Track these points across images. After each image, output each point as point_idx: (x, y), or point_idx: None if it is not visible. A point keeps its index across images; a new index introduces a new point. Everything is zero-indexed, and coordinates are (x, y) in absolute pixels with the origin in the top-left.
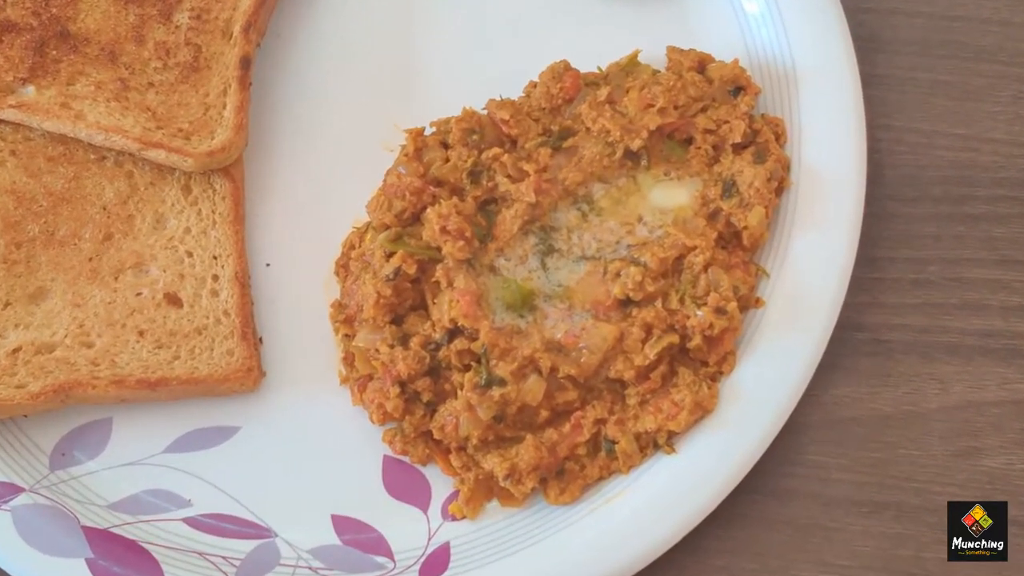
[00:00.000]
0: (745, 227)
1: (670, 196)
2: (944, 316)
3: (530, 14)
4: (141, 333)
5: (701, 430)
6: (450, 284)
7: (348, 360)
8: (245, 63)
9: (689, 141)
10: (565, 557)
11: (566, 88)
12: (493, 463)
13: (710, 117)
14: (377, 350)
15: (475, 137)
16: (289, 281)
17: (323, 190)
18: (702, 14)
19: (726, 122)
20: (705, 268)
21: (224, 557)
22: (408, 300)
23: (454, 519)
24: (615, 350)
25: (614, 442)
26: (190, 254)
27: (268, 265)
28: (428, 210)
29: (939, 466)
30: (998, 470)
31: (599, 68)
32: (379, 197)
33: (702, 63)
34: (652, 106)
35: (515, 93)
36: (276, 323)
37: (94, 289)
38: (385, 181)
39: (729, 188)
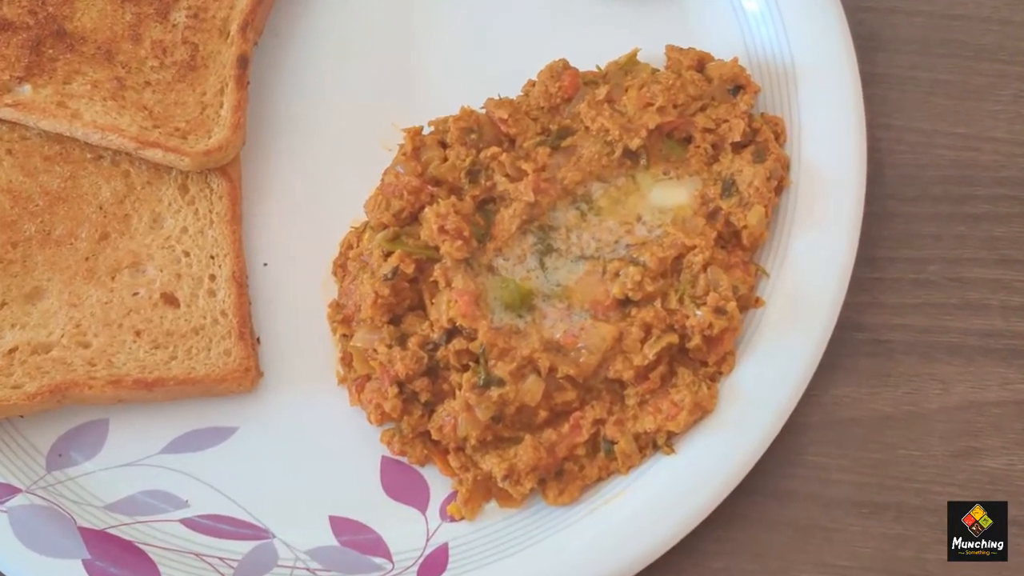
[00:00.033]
0: (745, 226)
1: (669, 195)
2: (945, 316)
3: (529, 13)
4: (138, 333)
5: (700, 431)
6: (448, 284)
7: (346, 360)
8: (242, 62)
9: (688, 140)
10: (564, 558)
11: (565, 87)
12: (492, 464)
13: (709, 116)
14: (375, 350)
15: (473, 136)
16: (287, 281)
17: (321, 189)
18: (701, 13)
19: (725, 121)
20: (704, 268)
21: (221, 558)
22: (406, 300)
23: (452, 520)
24: (614, 350)
25: (613, 443)
26: (187, 254)
27: (265, 265)
28: (426, 209)
29: (940, 467)
30: (999, 471)
31: (598, 67)
32: (377, 196)
33: (701, 62)
34: (651, 105)
35: (513, 92)
36: (274, 323)
37: (90, 289)
38: (383, 180)
39: (728, 187)
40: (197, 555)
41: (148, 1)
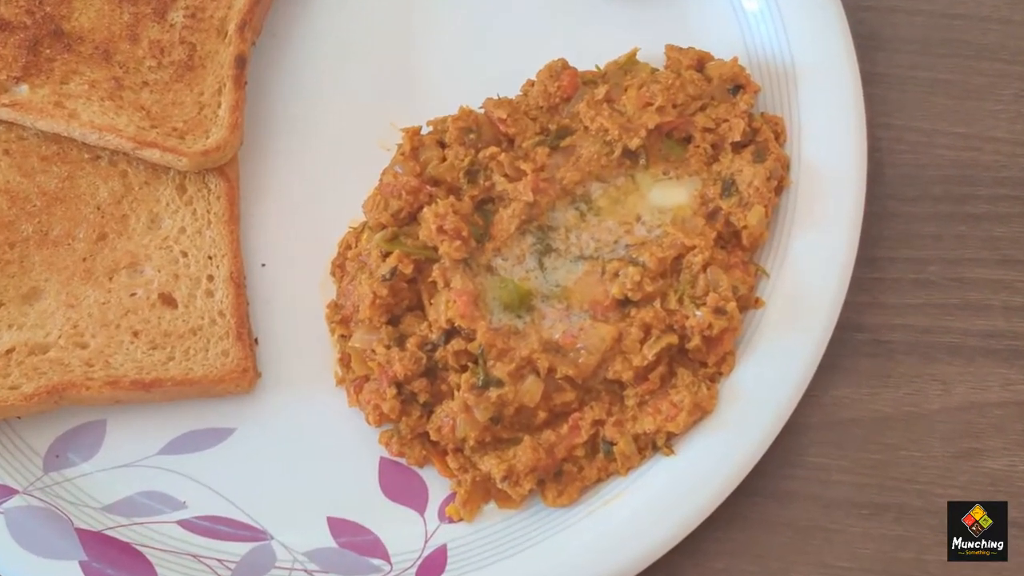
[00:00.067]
0: (744, 226)
1: (669, 195)
2: (946, 317)
3: (528, 12)
4: (135, 334)
5: (700, 431)
6: (447, 284)
7: (344, 361)
8: (240, 62)
9: (688, 140)
10: (563, 559)
11: (564, 87)
12: (490, 465)
13: (709, 116)
14: (373, 351)
15: (472, 136)
16: (285, 281)
17: (319, 190)
18: (701, 12)
19: (725, 121)
20: (704, 268)
21: (219, 560)
22: (405, 300)
23: (451, 521)
24: (613, 351)
25: (612, 443)
26: (185, 254)
27: (264, 265)
28: (425, 210)
29: (940, 468)
30: (1000, 472)
31: (597, 66)
32: (375, 196)
33: (701, 61)
34: (651, 105)
35: (512, 92)
36: (272, 324)
37: (88, 289)
38: (381, 180)
39: (728, 187)
40: (195, 556)
41: (146, 1)
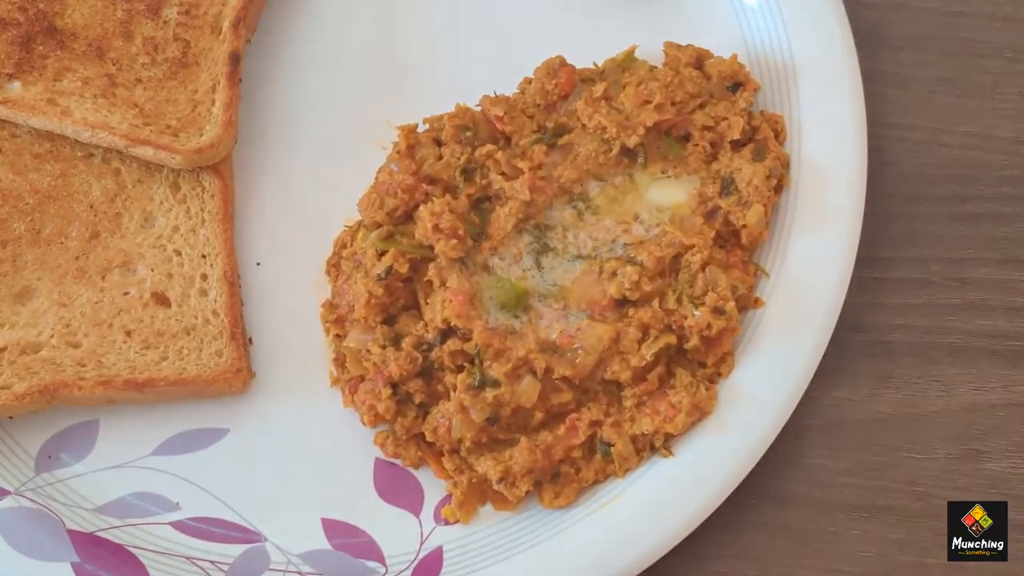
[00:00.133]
0: (744, 226)
1: (667, 194)
2: (947, 317)
3: (525, 9)
4: (128, 333)
5: (699, 433)
6: (443, 283)
7: (339, 361)
8: (234, 59)
9: (687, 138)
10: (560, 562)
11: (561, 84)
12: (486, 466)
13: (708, 114)
14: (368, 351)
15: (469, 134)
16: (279, 280)
17: (314, 188)
18: (700, 9)
19: (724, 119)
20: (703, 267)
21: (212, 562)
22: (400, 300)
23: (447, 523)
24: (611, 351)
25: (610, 445)
26: (178, 253)
27: (258, 264)
28: (421, 208)
29: (941, 469)
30: (1001, 473)
31: (595, 64)
32: (371, 195)
33: (700, 59)
34: (649, 102)
35: (509, 89)
36: (266, 323)
37: (81, 288)
38: (377, 179)
39: (727, 186)
40: (188, 558)
41: None
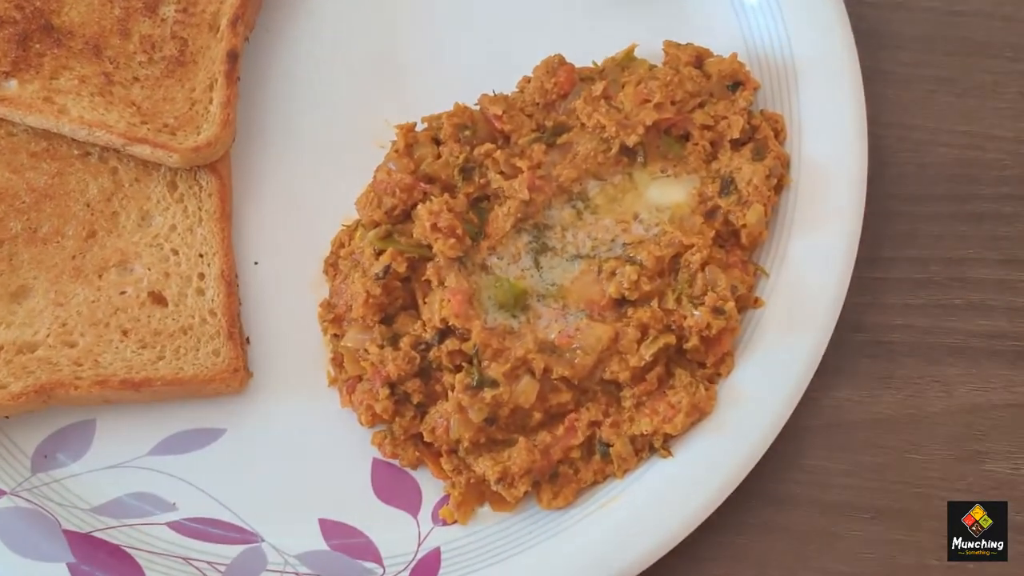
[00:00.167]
0: (743, 225)
1: (667, 193)
2: (948, 317)
3: (524, 8)
4: (125, 332)
5: (698, 433)
6: (441, 283)
7: (337, 361)
8: (232, 57)
9: (686, 137)
10: (559, 563)
11: (561, 83)
12: (485, 466)
13: (708, 113)
14: (366, 350)
15: (467, 133)
16: (277, 280)
17: (312, 187)
18: (700, 7)
19: (724, 118)
20: (702, 267)
21: (209, 562)
22: (398, 299)
23: (445, 524)
24: (610, 351)
25: (609, 445)
26: (175, 252)
27: (256, 264)
28: (419, 207)
29: (942, 471)
30: (1003, 474)
31: (594, 63)
32: (369, 194)
33: (700, 58)
34: (648, 101)
35: (508, 88)
36: (263, 323)
37: (77, 287)
38: (375, 178)
39: (727, 185)
40: (184, 559)
41: None
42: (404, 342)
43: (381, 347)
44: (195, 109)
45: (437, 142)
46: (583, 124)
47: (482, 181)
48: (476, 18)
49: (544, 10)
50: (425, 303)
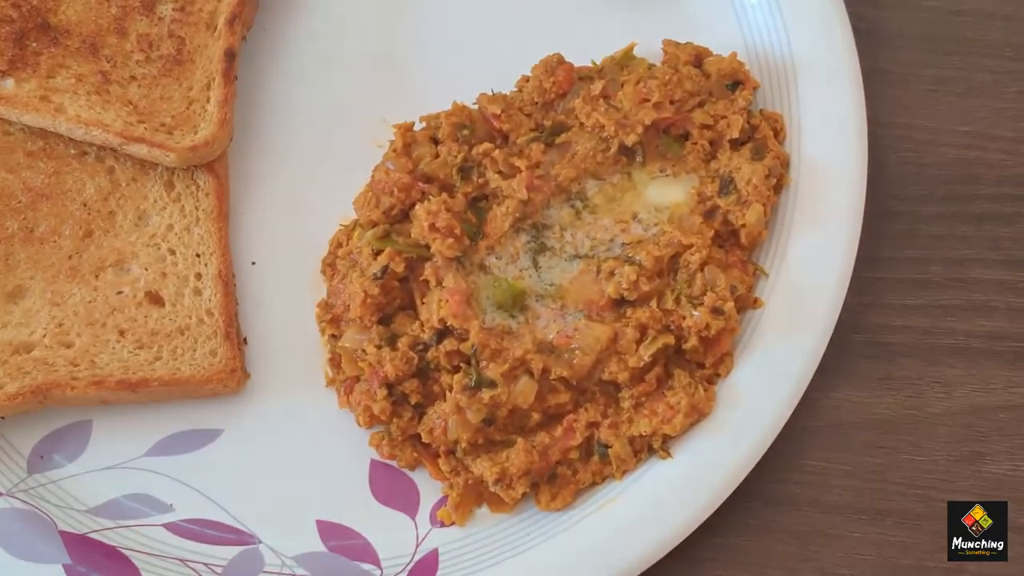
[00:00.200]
0: (743, 225)
1: (666, 193)
2: (948, 318)
3: (523, 6)
4: (122, 333)
5: (697, 434)
6: (439, 283)
7: (334, 361)
8: (230, 56)
9: (685, 137)
10: (557, 564)
11: (559, 82)
12: (483, 467)
13: (707, 112)
14: (364, 351)
15: (465, 132)
16: (274, 280)
17: (310, 187)
18: (699, 6)
19: (723, 117)
20: (701, 267)
21: (206, 564)
22: (396, 299)
23: (443, 525)
24: (609, 351)
25: (607, 446)
26: (172, 252)
27: (253, 263)
28: (417, 207)
29: (942, 472)
30: (1003, 476)
31: (593, 62)
32: (367, 194)
33: (699, 57)
34: (648, 101)
35: (507, 87)
36: (261, 323)
37: (74, 287)
38: (373, 177)
39: (726, 185)
40: (181, 560)
41: None
42: (402, 342)
43: (379, 347)
44: (192, 108)
45: (435, 141)
46: (582, 123)
47: (480, 181)
48: (475, 17)
49: (543, 9)
50: (423, 303)
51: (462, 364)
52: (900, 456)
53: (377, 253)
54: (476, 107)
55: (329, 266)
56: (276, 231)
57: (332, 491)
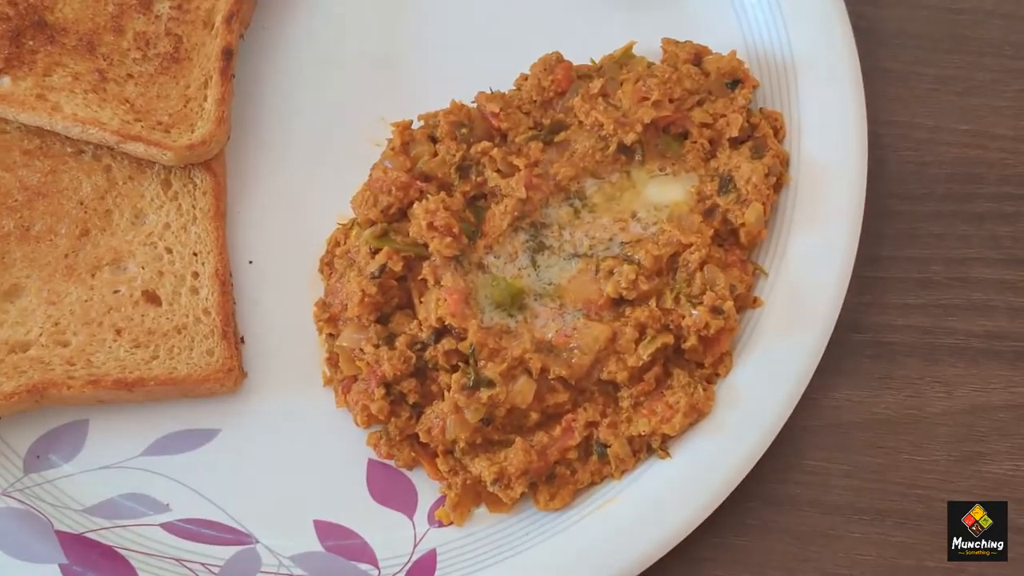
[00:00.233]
0: (742, 224)
1: (665, 192)
2: (948, 317)
3: (522, 6)
4: (118, 332)
5: (696, 434)
6: (437, 282)
7: (332, 361)
8: (227, 54)
9: (685, 135)
10: (555, 564)
11: (558, 80)
12: (481, 467)
13: (706, 111)
14: (362, 350)
15: (464, 131)
16: (272, 279)
17: (307, 185)
18: (699, 5)
19: (723, 116)
20: (701, 266)
21: (203, 564)
22: (394, 298)
23: (441, 525)
24: (607, 351)
25: (606, 446)
26: (169, 251)
27: (250, 262)
28: (415, 206)
29: (942, 472)
30: (1003, 476)
31: (592, 60)
32: (364, 192)
33: (698, 55)
34: (647, 99)
35: (505, 86)
36: (258, 322)
37: (70, 286)
38: (371, 176)
39: (726, 184)
40: (178, 560)
41: None
42: (400, 342)
43: (377, 347)
44: (189, 106)
45: (434, 140)
46: (581, 122)
47: (479, 179)
48: (473, 15)
49: (542, 8)
50: (421, 302)
51: (460, 363)
52: (900, 456)
53: (375, 252)
54: (475, 105)
55: (327, 265)
56: (273, 230)
57: (330, 491)
